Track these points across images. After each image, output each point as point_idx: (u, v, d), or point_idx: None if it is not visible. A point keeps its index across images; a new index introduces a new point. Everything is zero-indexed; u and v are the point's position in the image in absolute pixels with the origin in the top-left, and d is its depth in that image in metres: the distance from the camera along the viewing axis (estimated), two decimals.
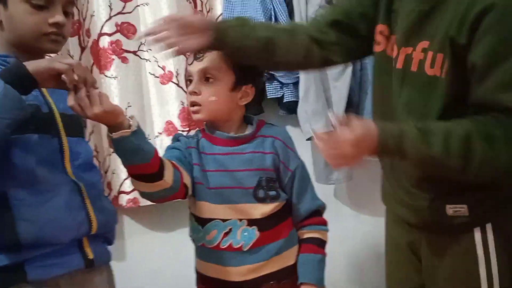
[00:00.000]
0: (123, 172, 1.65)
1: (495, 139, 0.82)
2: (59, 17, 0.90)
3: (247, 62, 1.03)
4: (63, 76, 0.81)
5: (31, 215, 0.85)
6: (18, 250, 0.83)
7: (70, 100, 0.82)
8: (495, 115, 0.83)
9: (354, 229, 1.86)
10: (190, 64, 1.05)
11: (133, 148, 0.88)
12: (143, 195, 0.99)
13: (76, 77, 0.81)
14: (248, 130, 1.07)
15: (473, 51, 0.82)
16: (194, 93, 1.02)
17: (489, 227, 0.94)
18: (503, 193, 0.94)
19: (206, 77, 1.02)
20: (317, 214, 1.09)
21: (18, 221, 0.83)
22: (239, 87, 1.04)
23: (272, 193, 1.03)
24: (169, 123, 1.68)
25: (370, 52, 1.04)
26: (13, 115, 0.79)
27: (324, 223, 1.10)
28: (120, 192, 1.67)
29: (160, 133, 1.69)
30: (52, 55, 0.98)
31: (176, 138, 1.11)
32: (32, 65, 0.80)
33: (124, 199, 1.67)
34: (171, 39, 0.95)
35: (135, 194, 1.66)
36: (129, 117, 0.89)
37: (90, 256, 0.93)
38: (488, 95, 0.83)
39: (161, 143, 1.68)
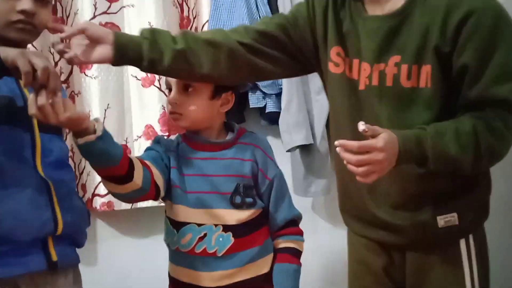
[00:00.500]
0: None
1: (495, 130, 0.88)
2: (26, 4, 0.87)
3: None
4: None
5: None
6: None
7: (31, 108, 0.77)
8: (491, 109, 0.89)
9: (330, 243, 1.86)
10: None
11: (99, 152, 0.86)
12: (115, 195, 0.98)
13: (36, 80, 0.76)
14: (229, 137, 1.07)
15: (463, 54, 0.87)
16: (174, 103, 1.02)
17: (470, 235, 0.98)
18: (482, 195, 0.99)
19: (185, 86, 1.02)
20: (293, 224, 1.09)
21: None
22: (219, 94, 1.04)
23: (249, 200, 1.03)
24: (149, 126, 1.66)
25: (309, 72, 1.11)
26: None
27: (300, 233, 1.11)
28: (94, 195, 1.63)
29: (139, 137, 1.66)
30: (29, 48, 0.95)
31: (156, 140, 1.11)
32: (2, 52, 0.77)
33: (98, 202, 1.63)
34: (74, 49, 0.90)
35: (110, 197, 1.63)
36: (95, 121, 0.87)
37: (54, 257, 0.89)
38: (484, 91, 0.88)
39: (140, 147, 1.65)
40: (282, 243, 1.08)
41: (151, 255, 1.67)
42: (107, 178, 0.92)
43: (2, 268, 0.82)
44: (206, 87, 1.03)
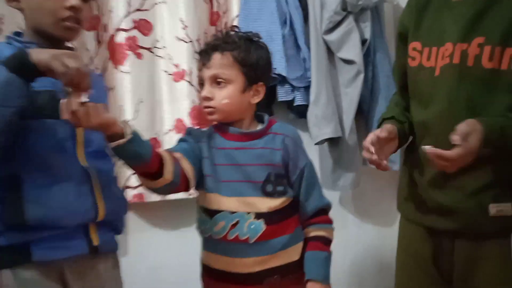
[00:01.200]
0: None
1: None
2: (75, 0, 0.91)
3: None
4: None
5: (39, 198, 0.86)
6: (25, 231, 0.85)
7: (64, 113, 0.81)
8: None
9: (357, 238, 1.85)
10: (200, 69, 1.08)
11: (130, 153, 0.90)
12: (149, 189, 1.01)
13: (71, 81, 0.80)
14: (259, 127, 1.09)
15: None
16: (207, 98, 1.04)
17: None
18: None
19: (217, 81, 1.04)
20: (323, 212, 1.11)
21: (26, 203, 0.85)
22: (250, 86, 1.06)
23: (280, 188, 1.05)
24: (180, 120, 1.69)
25: None
26: (18, 103, 0.81)
27: (330, 221, 1.12)
28: (126, 187, 1.68)
29: (170, 130, 1.70)
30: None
31: (188, 131, 1.14)
32: (35, 55, 0.80)
33: (129, 194, 1.67)
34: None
35: (141, 189, 1.67)
36: (124, 123, 0.90)
37: (95, 242, 0.94)
38: None
39: (170, 140, 1.69)
40: (313, 232, 1.09)
41: (181, 246, 1.71)
42: (140, 174, 0.96)
43: (50, 251, 0.87)
44: (238, 80, 1.04)
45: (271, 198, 1.04)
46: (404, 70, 1.11)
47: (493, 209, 0.96)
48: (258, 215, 1.03)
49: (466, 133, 0.89)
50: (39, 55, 0.81)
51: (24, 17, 0.95)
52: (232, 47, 1.04)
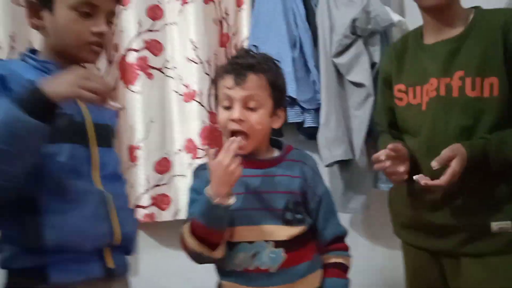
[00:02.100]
0: (141, 185, 1.66)
1: None
2: (103, 27, 0.92)
3: None
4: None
5: (57, 222, 0.85)
6: (41, 254, 0.84)
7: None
8: None
9: (369, 261, 1.82)
10: (230, 88, 0.99)
11: (225, 216, 0.93)
12: (192, 254, 0.98)
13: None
14: (276, 153, 1.07)
15: None
16: (240, 120, 0.98)
17: None
18: None
19: (249, 103, 0.99)
20: (341, 239, 1.09)
21: (43, 227, 0.84)
22: (275, 111, 1.03)
23: (299, 216, 1.03)
24: (190, 140, 1.69)
25: None
26: (40, 146, 0.81)
27: (347, 249, 1.10)
28: (136, 206, 1.67)
29: (180, 150, 1.70)
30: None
31: (196, 175, 1.08)
32: (52, 91, 0.78)
33: (141, 213, 1.67)
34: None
35: (152, 209, 1.67)
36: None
37: (111, 265, 0.93)
38: None
39: (181, 160, 1.69)
40: (332, 258, 1.07)
41: (192, 266, 1.69)
42: (203, 240, 0.94)
43: (66, 274, 0.86)
44: (268, 104, 1.00)
45: (290, 226, 1.01)
46: (391, 110, 1.21)
47: (495, 226, 1.02)
48: (278, 244, 1.00)
49: (447, 158, 0.98)
50: (56, 89, 0.78)
51: (44, 36, 0.95)
52: (266, 69, 1.00)
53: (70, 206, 0.87)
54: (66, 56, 0.93)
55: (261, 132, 1.01)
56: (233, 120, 0.99)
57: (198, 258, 0.98)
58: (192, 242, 0.95)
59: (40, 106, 0.78)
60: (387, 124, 1.25)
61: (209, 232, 0.93)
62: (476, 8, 1.12)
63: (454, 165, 0.98)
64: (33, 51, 0.97)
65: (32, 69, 0.91)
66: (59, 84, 0.79)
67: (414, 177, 1.01)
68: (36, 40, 1.64)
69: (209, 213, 0.93)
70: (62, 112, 0.86)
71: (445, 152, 0.99)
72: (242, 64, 1.00)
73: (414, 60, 1.15)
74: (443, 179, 0.98)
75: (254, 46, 1.43)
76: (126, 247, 0.99)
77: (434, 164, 0.98)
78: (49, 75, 0.89)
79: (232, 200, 0.93)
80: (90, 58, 0.95)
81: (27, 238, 0.83)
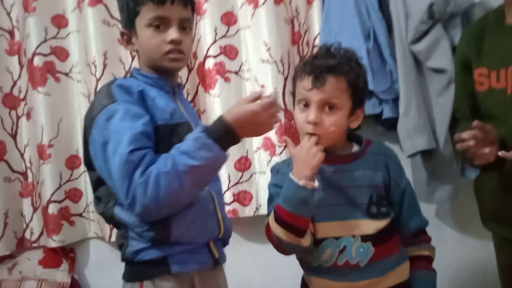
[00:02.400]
0: (222, 183, 1.75)
1: None
2: (174, 34, 1.01)
3: None
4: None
5: (183, 219, 0.96)
6: (166, 247, 0.96)
7: None
8: None
9: (458, 254, 1.74)
10: (308, 90, 0.99)
11: (309, 200, 0.96)
12: (278, 243, 1.01)
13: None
14: (355, 148, 1.08)
15: None
16: (315, 123, 0.98)
17: None
18: None
19: (327, 106, 0.99)
20: (424, 231, 1.09)
21: (173, 224, 0.95)
22: (355, 111, 1.03)
23: (383, 209, 1.03)
24: (267, 138, 1.75)
25: None
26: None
27: (430, 240, 1.10)
28: None
29: (259, 148, 1.76)
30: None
31: (275, 171, 1.12)
32: (243, 133, 0.91)
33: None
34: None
35: (235, 205, 1.75)
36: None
37: (216, 255, 1.03)
38: None
39: (259, 157, 1.75)
40: (418, 251, 1.07)
41: (274, 261, 1.74)
42: (293, 228, 0.96)
43: (185, 265, 0.98)
44: (346, 105, 1.00)
45: (376, 220, 1.02)
46: (472, 95, 1.13)
47: None
48: (365, 238, 1.01)
49: None
50: (250, 134, 0.94)
51: (138, 57, 1.09)
52: (346, 71, 0.99)
53: (191, 203, 0.97)
54: (156, 69, 1.05)
55: (336, 134, 1.02)
56: (308, 122, 0.99)
57: (285, 247, 0.99)
58: (278, 230, 0.97)
59: (231, 144, 0.92)
60: (469, 111, 1.18)
61: (295, 217, 0.95)
62: None
63: None
64: (137, 69, 1.09)
65: (146, 85, 1.03)
66: (248, 126, 0.92)
67: (499, 153, 0.93)
68: (125, 56, 1.82)
69: (294, 196, 0.95)
70: (182, 120, 1.00)
71: None
72: (322, 65, 0.98)
73: (496, 41, 1.09)
74: None
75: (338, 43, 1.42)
76: (225, 239, 1.10)
77: (502, 153, 0.91)
78: (159, 88, 1.03)
79: (316, 183, 0.94)
80: (172, 66, 1.04)
81: (159, 234, 0.95)
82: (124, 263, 1.02)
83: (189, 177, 0.87)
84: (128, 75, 1.12)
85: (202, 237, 1.00)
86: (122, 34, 1.08)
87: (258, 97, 0.91)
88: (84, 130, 1.00)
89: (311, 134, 0.99)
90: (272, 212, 1.00)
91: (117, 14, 1.73)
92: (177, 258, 0.97)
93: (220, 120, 0.91)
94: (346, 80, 0.99)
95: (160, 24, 1.00)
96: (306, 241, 0.99)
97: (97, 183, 1.00)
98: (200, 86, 1.80)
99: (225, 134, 0.89)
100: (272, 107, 0.91)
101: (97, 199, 1.03)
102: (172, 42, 1.01)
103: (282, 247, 1.01)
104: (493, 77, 1.07)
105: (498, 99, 1.07)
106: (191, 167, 0.87)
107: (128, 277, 0.99)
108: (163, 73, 1.05)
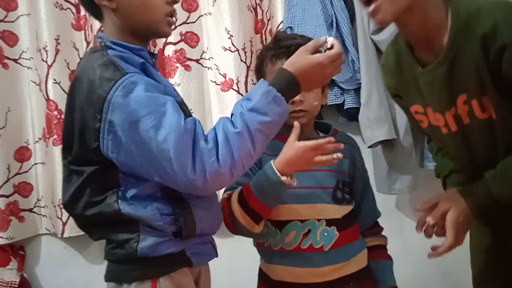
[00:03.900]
0: None
1: None
2: None
3: None
4: None
5: (201, 214, 0.88)
6: (182, 241, 0.87)
7: None
8: None
9: (419, 244, 1.76)
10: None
11: (282, 195, 0.95)
12: (231, 222, 0.99)
13: None
14: (322, 135, 1.09)
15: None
16: (300, 101, 1.00)
17: None
18: None
19: None
20: (377, 223, 1.14)
21: (196, 214, 0.87)
22: (323, 89, 1.08)
23: (348, 196, 1.05)
24: None
25: None
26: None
27: (382, 230, 1.15)
28: None
29: None
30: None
31: None
32: (305, 83, 0.83)
33: None
34: None
35: None
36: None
37: (216, 247, 0.97)
38: None
39: None
40: (375, 241, 1.11)
41: (235, 252, 1.72)
42: (252, 212, 0.95)
43: (200, 257, 0.91)
44: None
45: (341, 205, 1.03)
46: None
47: None
48: (330, 222, 1.02)
49: (442, 212, 0.88)
50: (312, 85, 0.86)
51: (115, 18, 0.87)
52: None
53: (208, 199, 0.90)
54: (140, 34, 0.88)
55: (318, 108, 1.05)
56: (295, 102, 0.98)
57: (237, 227, 0.97)
58: (237, 210, 0.95)
59: (292, 97, 0.85)
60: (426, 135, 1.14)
61: (262, 206, 0.93)
62: (453, 2, 0.87)
63: (449, 218, 0.87)
64: (111, 40, 0.87)
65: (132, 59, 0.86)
66: (317, 80, 0.86)
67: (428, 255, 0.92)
68: (79, 41, 1.73)
69: (271, 189, 0.92)
70: (180, 98, 0.91)
71: (440, 206, 0.89)
72: (292, 45, 0.98)
73: (415, 82, 0.95)
74: (448, 240, 0.87)
75: (290, 28, 1.40)
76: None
77: (430, 219, 0.89)
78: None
79: (295, 181, 0.92)
80: (169, 31, 0.90)
81: (184, 228, 0.86)
82: (109, 263, 0.90)
83: (261, 136, 0.79)
84: (94, 48, 0.89)
85: (216, 229, 0.93)
86: None
87: (320, 45, 0.84)
88: (82, 120, 0.81)
89: (297, 112, 1.00)
90: (238, 190, 0.97)
91: None
92: (193, 250, 0.89)
93: (285, 72, 0.82)
94: None
95: None
96: (259, 228, 0.98)
97: (87, 179, 0.85)
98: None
99: (291, 87, 0.82)
100: (340, 57, 0.83)
101: (74, 198, 0.86)
102: (173, 2, 0.89)
103: (234, 226, 0.98)
104: (430, 114, 0.97)
105: (441, 135, 0.98)
106: (264, 123, 0.78)
107: (133, 276, 0.86)
108: (144, 42, 0.90)
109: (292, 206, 1.01)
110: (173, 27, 0.94)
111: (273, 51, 1.03)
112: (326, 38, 0.84)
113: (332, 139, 0.91)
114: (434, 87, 0.91)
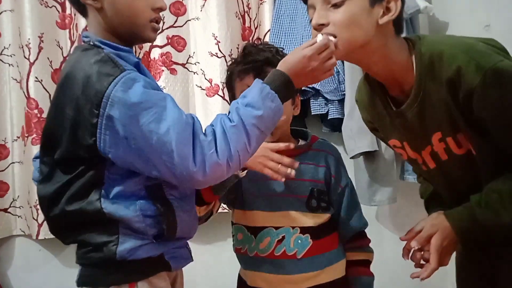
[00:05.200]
0: None
1: None
2: (163, 2, 0.88)
3: None
4: None
5: (183, 217, 0.87)
6: (162, 244, 0.86)
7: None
8: None
9: (396, 255, 1.78)
10: None
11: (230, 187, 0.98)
12: None
13: None
14: (302, 143, 1.09)
15: (482, 121, 0.84)
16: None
17: None
18: None
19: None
20: (363, 234, 1.10)
21: (178, 217, 0.86)
22: (294, 101, 1.07)
23: (323, 204, 1.04)
24: None
25: None
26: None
27: (369, 243, 1.11)
28: None
29: None
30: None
31: None
32: (297, 80, 0.84)
33: None
34: None
35: None
36: None
37: (191, 252, 0.96)
38: (509, 149, 0.84)
39: None
40: (357, 255, 1.09)
41: (215, 260, 1.70)
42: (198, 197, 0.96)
43: (178, 261, 0.90)
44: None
45: (315, 214, 1.03)
46: None
47: None
48: (304, 230, 1.02)
49: (427, 236, 0.87)
50: (305, 80, 0.86)
51: (97, 18, 0.86)
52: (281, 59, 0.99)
53: (189, 201, 0.90)
54: (124, 37, 0.88)
55: (286, 122, 1.03)
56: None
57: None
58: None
59: (288, 97, 0.85)
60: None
61: (206, 190, 0.95)
62: (416, 47, 0.87)
63: (434, 242, 0.86)
64: (99, 39, 0.86)
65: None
66: (307, 74, 0.85)
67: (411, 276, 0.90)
68: (63, 40, 1.70)
69: (227, 184, 0.96)
70: None
71: (425, 230, 0.88)
72: (258, 61, 1.01)
73: (389, 119, 0.95)
74: (431, 266, 0.85)
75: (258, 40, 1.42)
76: None
77: (414, 244, 0.88)
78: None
79: (244, 173, 0.95)
80: (152, 37, 0.90)
81: (168, 230, 0.85)
82: (82, 267, 0.87)
83: (256, 130, 0.80)
84: (84, 46, 0.87)
85: (192, 232, 0.92)
86: None
87: (312, 44, 0.84)
88: (76, 116, 0.79)
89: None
90: None
91: None
92: (171, 254, 0.87)
93: (276, 71, 0.84)
94: None
95: None
96: (203, 211, 1.01)
97: (74, 177, 0.82)
98: None
99: (283, 85, 0.83)
100: (325, 49, 0.83)
101: (56, 196, 0.84)
102: (159, 9, 0.88)
103: None
104: (407, 149, 0.96)
105: (420, 167, 0.98)
106: (258, 118, 0.80)
107: (110, 280, 0.83)
108: (129, 42, 0.90)
109: (267, 213, 1.02)
110: (158, 32, 0.93)
111: (241, 66, 1.03)
112: (317, 37, 0.84)
113: (291, 146, 0.94)
114: (407, 128, 0.92)
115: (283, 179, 0.94)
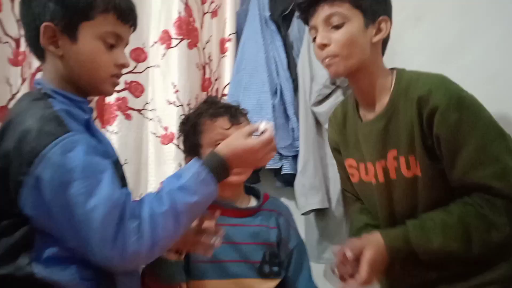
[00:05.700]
0: None
1: (484, 217, 0.89)
2: (125, 58, 0.88)
3: None
4: None
5: (125, 278, 0.83)
6: None
7: None
8: (477, 194, 0.91)
9: None
10: (229, 128, 1.06)
11: (171, 272, 0.94)
12: None
13: None
14: (253, 202, 1.08)
15: (439, 144, 0.92)
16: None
17: None
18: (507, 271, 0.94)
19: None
20: None
21: (118, 282, 0.82)
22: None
23: (275, 269, 1.03)
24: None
25: None
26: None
27: None
28: None
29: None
30: None
31: None
32: (236, 165, 0.85)
33: None
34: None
35: None
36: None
37: None
38: (463, 177, 0.92)
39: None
40: None
41: None
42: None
43: None
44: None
45: (267, 280, 1.01)
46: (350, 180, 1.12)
47: None
48: None
49: (360, 247, 0.90)
50: (244, 167, 0.90)
51: (59, 65, 0.84)
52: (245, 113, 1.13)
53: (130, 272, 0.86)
54: (81, 88, 0.86)
55: (242, 182, 1.06)
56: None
57: None
58: None
59: (222, 178, 0.84)
60: (353, 193, 1.16)
61: (154, 283, 0.93)
62: (398, 70, 1.01)
63: (367, 254, 0.89)
64: (53, 88, 0.84)
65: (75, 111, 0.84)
66: (248, 163, 0.87)
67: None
68: (13, 77, 1.63)
69: (160, 269, 0.92)
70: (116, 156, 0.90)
71: (360, 242, 0.92)
72: (231, 106, 1.06)
73: (356, 136, 1.05)
74: (361, 275, 0.88)
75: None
76: None
77: (349, 253, 0.91)
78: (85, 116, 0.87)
79: (182, 257, 0.93)
80: (110, 91, 0.90)
81: None
82: None
83: (188, 215, 0.79)
84: (35, 95, 0.84)
85: None
86: (47, 27, 0.82)
87: (255, 130, 0.87)
88: (6, 168, 0.75)
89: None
90: None
91: (12, 31, 1.59)
92: None
93: (216, 154, 0.85)
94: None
95: (114, 43, 0.86)
96: None
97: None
98: (97, 120, 1.68)
99: (221, 168, 0.84)
100: (271, 142, 0.86)
101: None
102: (122, 66, 0.88)
103: None
104: (361, 170, 1.03)
105: (368, 191, 1.04)
106: (192, 204, 0.78)
107: None
108: (85, 93, 0.88)
109: (217, 282, 0.99)
110: (116, 88, 0.92)
111: (212, 110, 1.05)
112: (260, 124, 0.89)
113: (212, 226, 0.91)
114: (370, 139, 1.00)
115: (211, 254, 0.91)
